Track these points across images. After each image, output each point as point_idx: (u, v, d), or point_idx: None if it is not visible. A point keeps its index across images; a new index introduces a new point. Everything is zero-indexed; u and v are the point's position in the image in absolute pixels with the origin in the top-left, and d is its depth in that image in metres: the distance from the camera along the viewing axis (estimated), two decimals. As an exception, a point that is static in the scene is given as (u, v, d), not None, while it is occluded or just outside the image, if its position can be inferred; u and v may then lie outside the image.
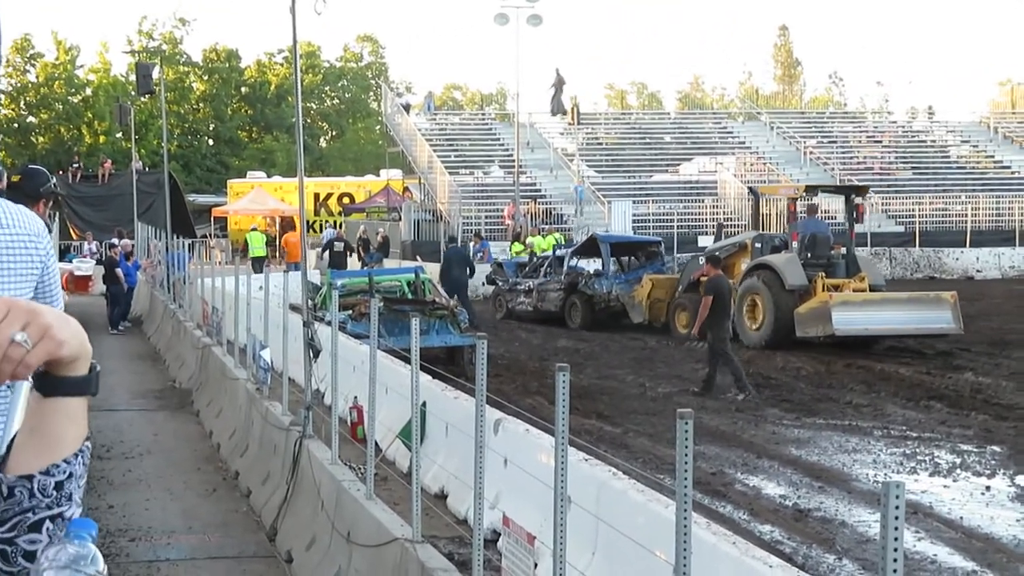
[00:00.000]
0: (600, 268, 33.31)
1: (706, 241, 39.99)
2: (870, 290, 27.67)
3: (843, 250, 28.74)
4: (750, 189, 35.28)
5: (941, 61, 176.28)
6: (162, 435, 19.84)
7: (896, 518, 4.57)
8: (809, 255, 27.86)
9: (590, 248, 34.29)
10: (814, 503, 13.79)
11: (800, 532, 12.60)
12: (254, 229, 51.64)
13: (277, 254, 48.64)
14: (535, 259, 37.67)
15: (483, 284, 38.02)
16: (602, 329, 30.86)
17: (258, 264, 38.06)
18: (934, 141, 66.02)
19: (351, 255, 44.13)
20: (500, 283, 35.83)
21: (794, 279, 27.02)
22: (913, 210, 53.85)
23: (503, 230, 50.02)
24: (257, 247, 47.01)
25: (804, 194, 30.96)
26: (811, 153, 61.41)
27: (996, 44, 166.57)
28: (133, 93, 64.40)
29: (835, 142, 64.17)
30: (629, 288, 31.41)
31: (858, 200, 30.40)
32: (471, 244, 44.41)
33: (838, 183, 57.10)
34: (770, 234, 30.89)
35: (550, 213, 53.99)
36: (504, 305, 34.63)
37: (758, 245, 28.98)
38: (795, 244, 28.12)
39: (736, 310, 27.08)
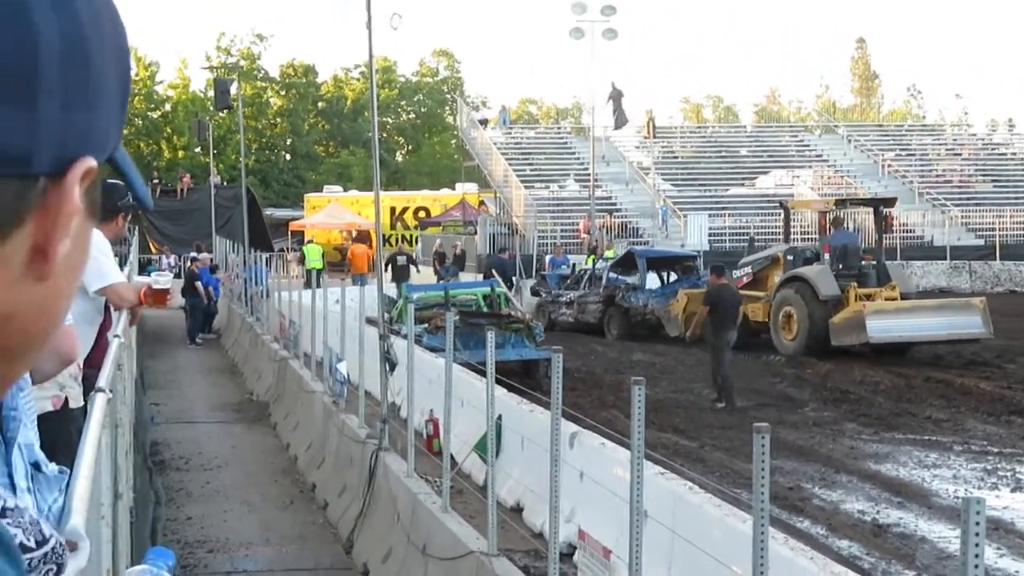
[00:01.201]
0: (637, 281, 33.81)
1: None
2: (901, 298, 28.26)
3: (873, 260, 29.40)
4: (780, 203, 36.04)
5: (1022, 73, 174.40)
6: (240, 447, 19.99)
7: (977, 534, 4.53)
8: (840, 266, 28.57)
9: (627, 262, 34.88)
10: (893, 518, 13.67)
11: (879, 548, 12.49)
12: (310, 242, 51.91)
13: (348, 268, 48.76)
14: (576, 272, 38.20)
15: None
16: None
17: (315, 276, 38.24)
18: (1015, 154, 65.21)
19: (416, 269, 44.10)
20: (543, 295, 36.50)
21: (827, 290, 27.72)
22: (993, 223, 53.19)
23: (579, 244, 49.95)
24: (314, 259, 47.21)
25: (834, 207, 31.60)
26: (889, 166, 60.88)
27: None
28: (211, 108, 65.05)
29: (913, 155, 63.53)
30: (664, 301, 31.80)
31: (887, 211, 31.68)
32: (548, 257, 44.44)
33: (917, 195, 56.78)
34: (801, 246, 31.47)
35: (626, 227, 53.88)
36: (547, 316, 34.90)
37: (790, 257, 29.78)
38: (827, 256, 28.82)
39: (772, 321, 28.68)
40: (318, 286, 25.61)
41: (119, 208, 8.05)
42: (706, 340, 22.89)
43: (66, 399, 6.40)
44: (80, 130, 1.16)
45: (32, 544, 2.16)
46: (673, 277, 34.31)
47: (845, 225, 32.70)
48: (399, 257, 43.80)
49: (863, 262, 29.10)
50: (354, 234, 64.65)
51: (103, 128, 1.21)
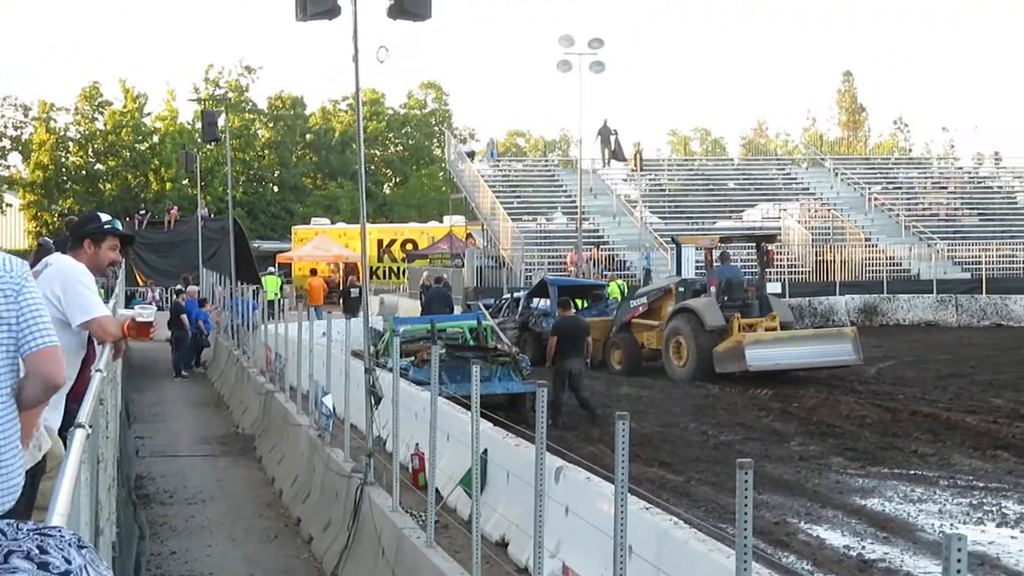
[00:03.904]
0: (547, 308, 35.06)
1: (773, 287, 39.93)
2: (781, 328, 30.29)
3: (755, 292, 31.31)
4: (671, 239, 38.13)
5: (1007, 107, 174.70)
6: (225, 481, 19.94)
7: (959, 572, 4.51)
8: (726, 298, 30.43)
9: (542, 290, 36.14)
10: (879, 553, 13.64)
11: (864, 583, 12.45)
12: (270, 273, 51.91)
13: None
14: (499, 300, 39.93)
15: None
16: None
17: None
18: (1000, 187, 65.51)
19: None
20: None
21: (713, 320, 29.69)
22: (979, 257, 53.32)
23: (566, 276, 49.94)
24: (272, 290, 47.22)
25: (719, 244, 33.79)
26: (876, 199, 61.03)
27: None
28: (199, 140, 65.06)
29: (900, 188, 63.70)
30: None
31: (768, 247, 33.98)
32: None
33: (903, 229, 56.97)
34: (692, 279, 33.64)
35: (612, 259, 53.96)
36: None
37: (681, 289, 31.66)
38: (712, 289, 30.67)
39: (664, 349, 30.78)
40: (271, 317, 26.01)
41: (86, 233, 8.00)
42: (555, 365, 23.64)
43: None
44: None
45: None
46: (584, 305, 35.63)
47: (732, 259, 34.92)
48: (352, 289, 44.66)
49: (747, 294, 30.88)
50: (342, 267, 64.83)
51: None
